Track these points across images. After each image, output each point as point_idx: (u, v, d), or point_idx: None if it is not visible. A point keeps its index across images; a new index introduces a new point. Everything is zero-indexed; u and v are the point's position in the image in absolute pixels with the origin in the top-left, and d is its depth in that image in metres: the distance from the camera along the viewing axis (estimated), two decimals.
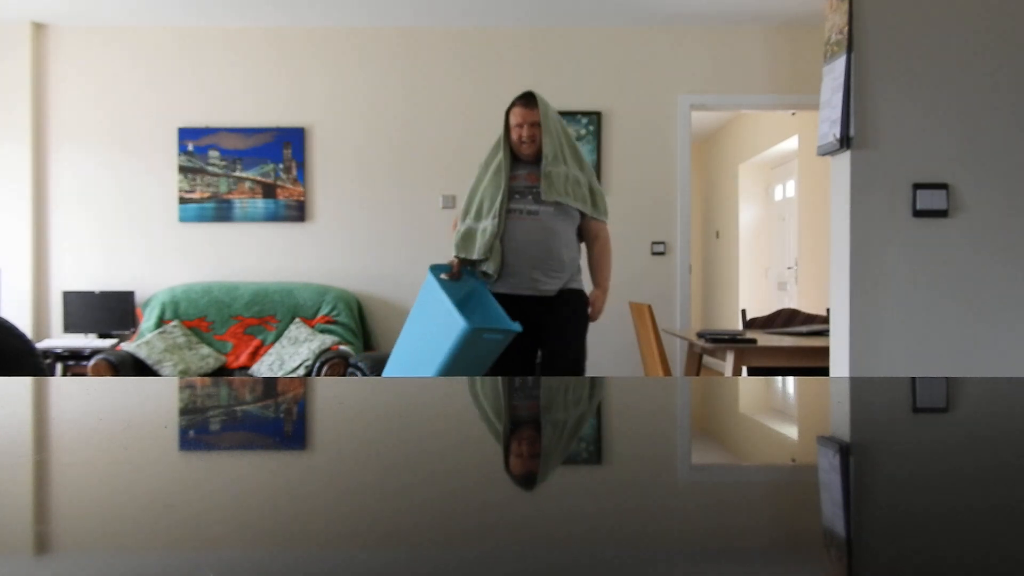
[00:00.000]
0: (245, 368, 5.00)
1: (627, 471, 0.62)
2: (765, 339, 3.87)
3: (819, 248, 6.44)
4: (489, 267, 2.96)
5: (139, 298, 5.44)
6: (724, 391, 1.08)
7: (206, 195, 5.51)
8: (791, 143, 7.21)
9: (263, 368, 4.90)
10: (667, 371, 3.99)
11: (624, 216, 5.44)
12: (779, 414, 0.95)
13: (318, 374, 4.70)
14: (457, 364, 2.68)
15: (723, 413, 0.94)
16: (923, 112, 2.92)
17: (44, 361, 3.31)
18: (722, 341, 3.72)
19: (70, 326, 5.31)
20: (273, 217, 5.52)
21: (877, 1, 2.90)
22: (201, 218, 5.51)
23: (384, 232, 5.56)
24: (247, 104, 5.54)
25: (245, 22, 5.47)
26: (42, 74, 5.50)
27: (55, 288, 5.50)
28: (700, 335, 3.90)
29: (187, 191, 5.50)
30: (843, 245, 2.96)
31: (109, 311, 5.34)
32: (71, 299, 5.33)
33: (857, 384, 1.12)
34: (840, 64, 2.91)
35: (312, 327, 5.12)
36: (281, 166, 5.52)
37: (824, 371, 3.50)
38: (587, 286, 3.15)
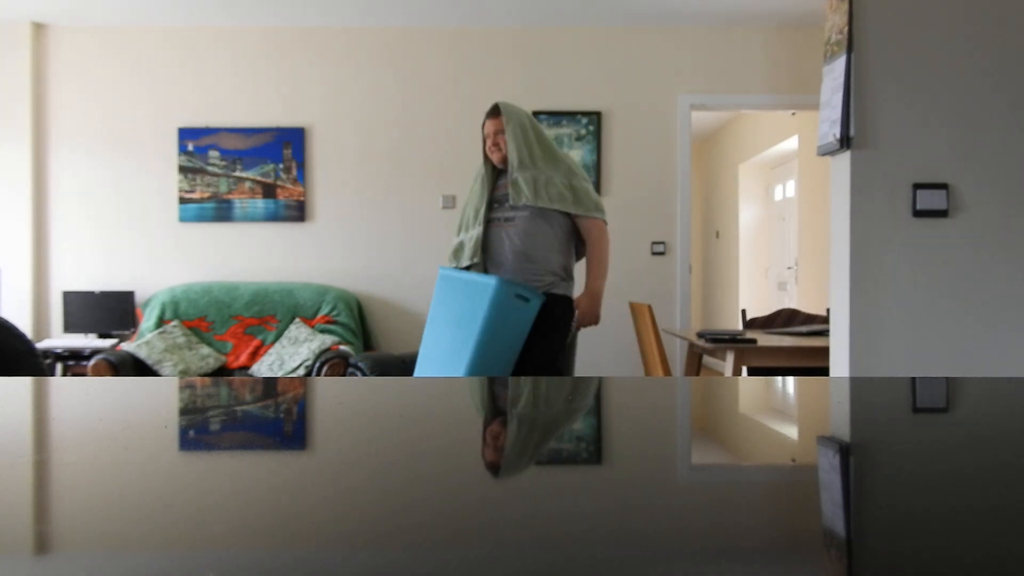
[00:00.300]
0: (245, 368, 5.00)
1: (627, 471, 0.62)
2: (765, 339, 3.87)
3: (819, 248, 6.44)
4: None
5: (139, 298, 5.44)
6: (724, 391, 1.08)
7: (206, 195, 5.51)
8: (791, 143, 7.21)
9: (263, 368, 4.90)
10: (667, 371, 3.99)
11: (624, 216, 5.44)
12: (779, 414, 0.95)
13: (318, 374, 4.70)
14: (496, 333, 2.68)
15: (723, 413, 0.94)
16: (923, 112, 2.92)
17: (44, 361, 3.31)
18: (722, 341, 3.72)
19: (70, 326, 5.31)
20: (273, 217, 5.52)
21: (877, 1, 2.90)
22: (201, 218, 5.51)
23: (384, 232, 5.56)
24: (247, 104, 5.54)
25: (245, 22, 5.47)
26: (42, 74, 5.50)
27: (55, 288, 5.50)
28: (700, 335, 3.90)
29: (187, 191, 5.50)
30: (843, 245, 2.96)
31: (109, 311, 5.34)
32: (71, 299, 5.33)
33: (857, 384, 1.12)
34: (840, 64, 2.91)
35: (312, 327, 5.12)
36: (281, 166, 5.52)
37: (824, 371, 3.50)
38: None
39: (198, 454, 0.68)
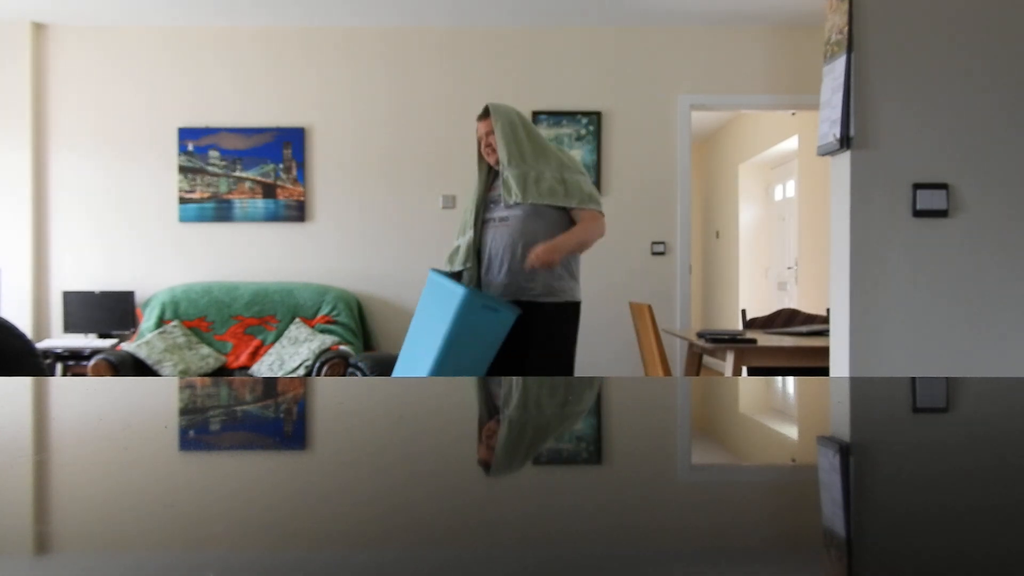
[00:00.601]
0: (245, 368, 5.00)
1: (627, 471, 0.62)
2: (765, 339, 3.87)
3: (819, 248, 6.44)
4: (465, 278, 3.04)
5: (139, 298, 5.44)
6: (724, 391, 1.08)
7: (206, 195, 5.51)
8: (791, 143, 7.21)
9: (263, 368, 4.89)
10: (667, 371, 3.99)
11: (624, 216, 5.44)
12: (779, 414, 0.95)
13: (318, 374, 4.70)
14: (461, 341, 2.70)
15: (723, 413, 0.94)
16: (923, 112, 2.92)
17: (44, 361, 3.31)
18: (722, 341, 3.72)
19: (70, 326, 5.31)
20: (273, 217, 5.52)
21: (877, 1, 2.90)
22: (201, 218, 5.51)
23: (384, 232, 5.56)
24: (247, 104, 5.54)
25: (246, 23, 5.47)
26: (42, 74, 5.50)
27: (55, 288, 5.50)
28: (700, 335, 3.90)
29: (187, 191, 5.50)
30: (843, 245, 2.96)
31: (109, 311, 5.34)
32: (71, 299, 5.33)
33: (857, 384, 1.12)
34: (840, 64, 2.91)
35: (312, 327, 5.12)
36: (281, 166, 5.52)
37: (824, 371, 3.50)
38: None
39: (198, 454, 0.68)
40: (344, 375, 4.64)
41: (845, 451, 0.68)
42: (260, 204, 5.51)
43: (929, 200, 2.91)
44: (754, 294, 8.30)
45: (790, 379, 1.27)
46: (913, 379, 1.13)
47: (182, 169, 5.50)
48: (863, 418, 0.86)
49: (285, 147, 5.52)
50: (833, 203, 3.06)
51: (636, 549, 0.42)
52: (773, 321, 4.78)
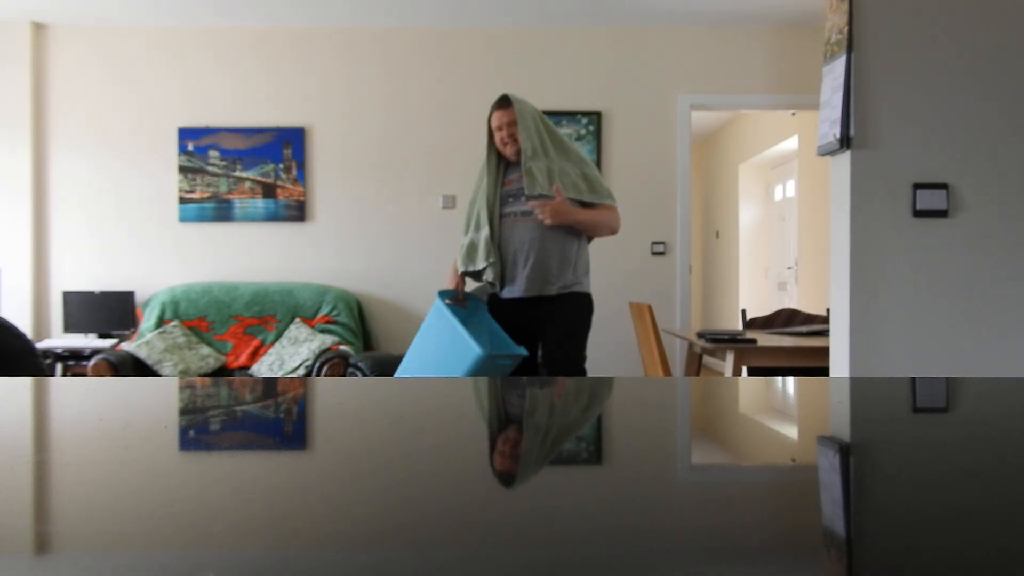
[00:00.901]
0: (245, 368, 4.99)
1: (627, 471, 0.62)
2: (765, 339, 3.87)
3: (819, 248, 6.44)
4: (491, 276, 2.95)
5: (139, 298, 5.44)
6: (724, 391, 1.08)
7: (206, 195, 5.51)
8: (791, 143, 7.21)
9: (263, 368, 4.89)
10: (667, 371, 3.99)
11: (624, 216, 5.40)
12: (779, 414, 0.95)
13: (318, 374, 4.70)
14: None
15: (723, 413, 0.94)
16: (923, 112, 2.92)
17: (44, 361, 3.31)
18: (722, 341, 3.72)
19: (70, 326, 5.31)
20: (273, 217, 5.52)
21: (877, 1, 2.90)
22: (201, 218, 5.51)
23: (384, 232, 5.56)
24: (247, 104, 5.54)
25: (246, 23, 5.47)
26: (42, 74, 5.50)
27: (55, 288, 5.50)
28: (700, 335, 3.90)
29: (187, 191, 5.50)
30: (843, 245, 2.96)
31: (109, 311, 5.34)
32: (71, 299, 5.33)
33: (857, 384, 1.12)
34: (840, 64, 2.91)
35: (312, 327, 5.12)
36: (281, 166, 5.52)
37: (824, 371, 3.50)
38: (594, 287, 3.14)
39: (198, 454, 0.68)
40: (344, 375, 4.64)
41: (845, 451, 0.68)
42: (260, 204, 5.51)
43: (929, 200, 2.91)
44: (754, 294, 8.30)
45: (790, 379, 1.27)
46: (913, 379, 1.13)
47: (182, 169, 5.50)
48: (863, 418, 0.86)
49: (285, 147, 5.52)
50: (833, 203, 3.05)
51: (636, 549, 0.42)
52: (773, 321, 4.78)
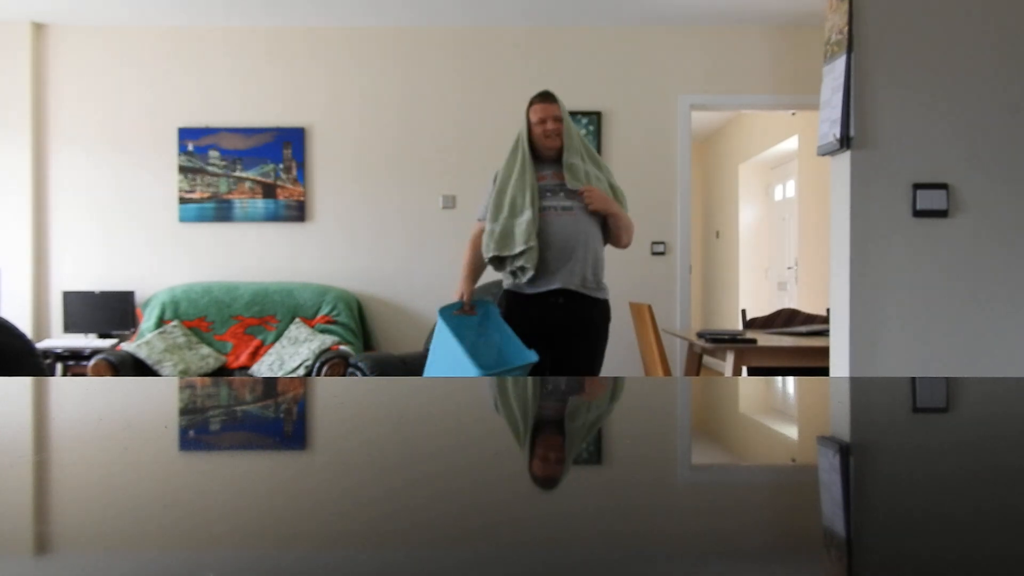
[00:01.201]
0: (245, 368, 4.99)
1: (627, 471, 0.62)
2: (765, 339, 3.87)
3: (819, 248, 6.44)
4: (528, 262, 2.89)
5: (139, 298, 5.44)
6: (724, 391, 1.08)
7: (206, 195, 5.51)
8: (791, 143, 7.21)
9: (263, 368, 4.89)
10: (667, 371, 3.99)
11: None
12: (779, 414, 0.95)
13: (318, 374, 4.70)
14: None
15: (723, 413, 0.94)
16: (923, 112, 2.92)
17: (44, 361, 3.31)
18: (722, 341, 3.72)
19: (70, 326, 5.31)
20: (273, 217, 5.52)
21: (877, 1, 2.90)
22: (201, 218, 5.51)
23: (384, 232, 5.56)
24: (247, 104, 5.54)
25: (245, 22, 5.47)
26: (42, 74, 5.50)
27: (55, 288, 5.50)
28: (700, 335, 3.90)
29: (187, 191, 5.50)
30: (843, 245, 2.96)
31: (109, 311, 5.34)
32: (71, 299, 5.33)
33: (857, 384, 1.12)
34: (840, 64, 2.91)
35: (312, 327, 5.12)
36: (281, 166, 5.52)
37: (824, 371, 3.50)
38: (611, 292, 3.15)
39: (198, 454, 0.68)
40: (344, 375, 4.64)
41: (845, 451, 0.68)
42: (260, 204, 5.51)
43: (929, 200, 2.91)
44: (754, 294, 8.30)
45: (790, 379, 1.27)
46: (913, 379, 1.13)
47: (182, 169, 5.50)
48: (863, 418, 0.86)
49: (285, 147, 5.52)
50: (833, 203, 3.05)
51: (636, 549, 0.42)
52: (773, 321, 4.78)
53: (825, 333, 3.91)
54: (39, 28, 5.47)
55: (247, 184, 5.51)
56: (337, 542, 0.43)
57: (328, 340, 4.94)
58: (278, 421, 0.84)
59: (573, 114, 5.48)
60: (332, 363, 4.69)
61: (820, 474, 0.62)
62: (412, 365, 4.51)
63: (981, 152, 2.92)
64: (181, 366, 4.76)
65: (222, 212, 5.51)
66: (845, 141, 2.89)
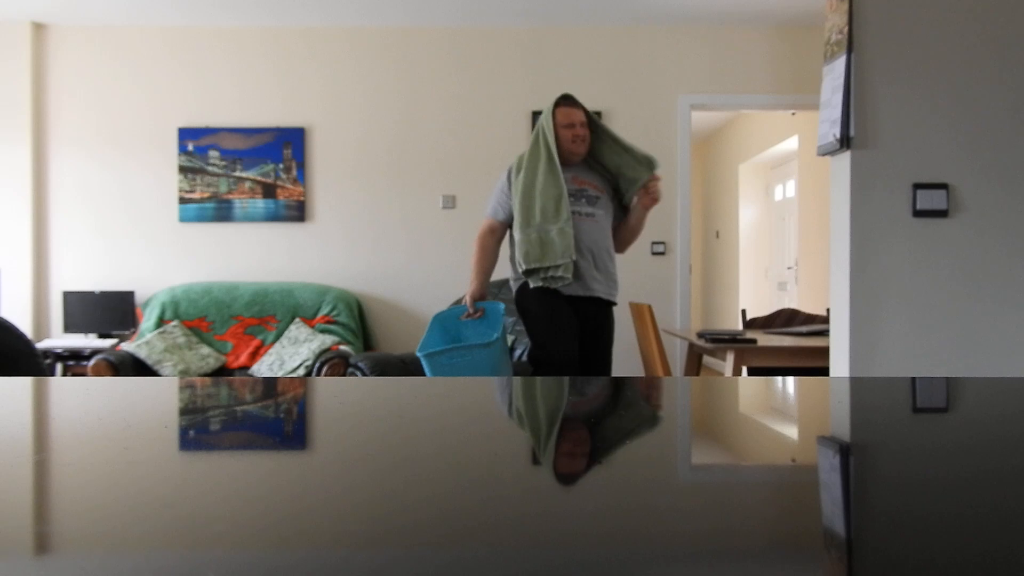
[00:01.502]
0: (245, 368, 4.99)
1: (627, 471, 0.62)
2: (765, 339, 3.87)
3: (819, 248, 6.44)
4: (567, 271, 2.89)
5: (139, 298, 5.44)
6: (724, 391, 1.08)
7: (206, 195, 5.51)
8: (791, 143, 7.21)
9: (263, 368, 4.89)
10: (667, 371, 3.99)
11: None
12: (779, 414, 0.95)
13: (318, 374, 4.70)
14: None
15: (723, 413, 0.94)
16: (923, 112, 2.92)
17: (44, 361, 3.31)
18: (722, 341, 3.72)
19: (70, 326, 5.31)
20: (273, 217, 5.52)
21: (877, 1, 2.90)
22: (201, 218, 5.51)
23: (384, 232, 5.56)
24: (247, 104, 5.54)
25: (245, 22, 5.47)
26: (42, 74, 5.50)
27: (55, 288, 5.50)
28: (700, 335, 3.90)
29: (187, 191, 5.50)
30: (843, 245, 2.96)
31: (109, 311, 5.34)
32: (71, 299, 5.33)
33: (857, 384, 1.12)
34: (840, 64, 2.91)
35: (312, 327, 5.12)
36: (281, 166, 5.52)
37: (824, 371, 3.50)
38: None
39: (198, 454, 0.68)
40: (344, 375, 4.64)
41: (845, 451, 0.68)
42: (260, 204, 5.51)
43: (929, 200, 2.90)
44: (754, 294, 8.30)
45: (790, 379, 1.27)
46: (913, 379, 1.13)
47: (182, 169, 5.50)
48: (863, 418, 0.86)
49: (285, 147, 5.52)
50: (833, 203, 3.05)
51: (636, 550, 0.42)
52: (773, 321, 4.78)
53: (825, 333, 3.91)
54: (39, 28, 5.47)
55: (247, 184, 5.51)
56: (337, 542, 0.43)
57: (328, 340, 4.94)
58: (278, 421, 0.84)
59: None
60: (332, 363, 4.69)
61: (820, 474, 0.62)
62: (412, 365, 4.51)
63: (981, 152, 2.92)
64: (181, 366, 4.76)
65: (222, 212, 5.51)
66: (845, 141, 2.89)
